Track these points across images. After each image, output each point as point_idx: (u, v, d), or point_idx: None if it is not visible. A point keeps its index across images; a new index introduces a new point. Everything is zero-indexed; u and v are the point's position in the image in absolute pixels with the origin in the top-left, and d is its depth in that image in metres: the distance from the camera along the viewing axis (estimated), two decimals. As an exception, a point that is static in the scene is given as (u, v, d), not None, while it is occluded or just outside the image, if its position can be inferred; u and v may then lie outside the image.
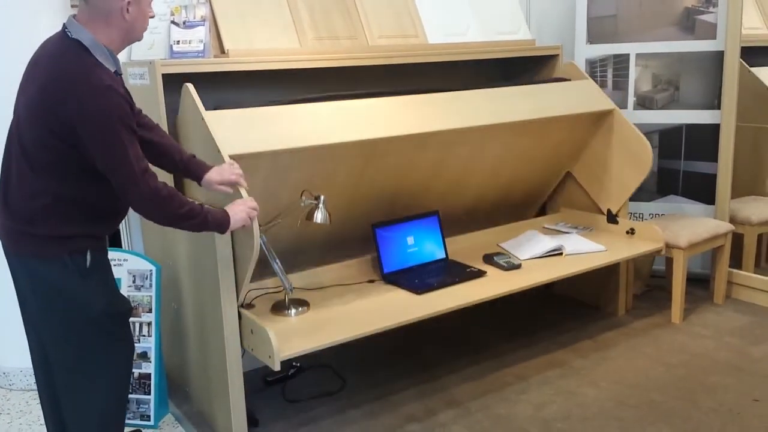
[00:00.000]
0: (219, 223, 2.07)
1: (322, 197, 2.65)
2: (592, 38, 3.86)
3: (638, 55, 3.77)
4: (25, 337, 2.11)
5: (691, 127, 3.72)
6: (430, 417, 2.60)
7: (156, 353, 2.61)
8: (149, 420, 2.61)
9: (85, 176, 1.88)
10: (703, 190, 3.73)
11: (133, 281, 2.62)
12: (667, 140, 3.79)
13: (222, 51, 2.78)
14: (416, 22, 3.30)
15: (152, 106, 2.54)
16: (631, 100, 3.81)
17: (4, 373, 2.96)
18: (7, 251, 1.97)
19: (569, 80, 3.40)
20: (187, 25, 2.69)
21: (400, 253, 3.01)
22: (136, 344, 2.59)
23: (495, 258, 3.05)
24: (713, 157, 3.64)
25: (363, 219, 2.98)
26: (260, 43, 2.85)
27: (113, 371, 2.06)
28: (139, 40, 2.02)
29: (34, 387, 2.91)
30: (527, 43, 3.56)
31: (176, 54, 2.67)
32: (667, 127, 3.78)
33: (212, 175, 2.20)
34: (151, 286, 2.61)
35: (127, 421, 2.60)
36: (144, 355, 2.61)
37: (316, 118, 2.57)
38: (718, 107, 3.62)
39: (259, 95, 3.07)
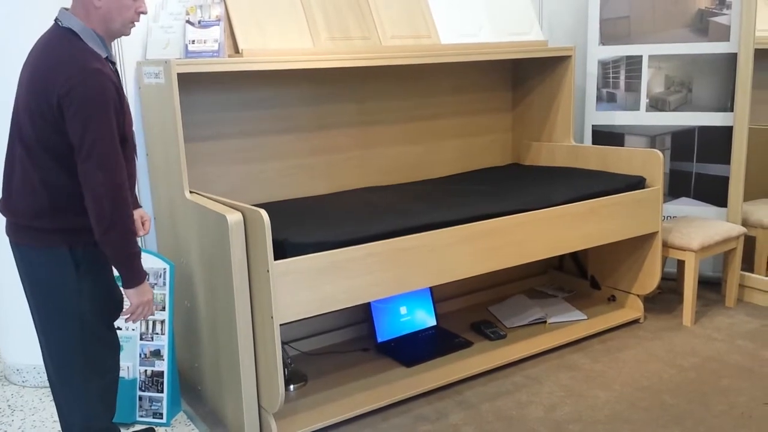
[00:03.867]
0: (138, 271, 1.97)
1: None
2: (605, 39, 3.85)
3: (651, 57, 3.76)
4: (35, 334, 2.12)
5: (704, 129, 3.71)
6: (441, 418, 2.60)
7: (169, 351, 2.62)
8: (162, 418, 2.62)
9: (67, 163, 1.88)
10: (715, 193, 3.72)
11: (147, 279, 2.62)
12: (679, 142, 3.78)
13: (236, 50, 2.79)
14: (429, 23, 3.30)
15: (167, 105, 2.55)
16: (644, 101, 3.80)
17: (17, 370, 2.98)
18: (11, 243, 2.00)
19: (644, 182, 3.22)
20: (202, 24, 2.70)
21: (394, 322, 3.17)
22: (149, 342, 2.62)
23: (482, 327, 3.24)
24: (726, 160, 3.63)
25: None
26: (274, 42, 2.86)
27: (98, 373, 2.06)
28: (124, 34, 1.99)
29: (47, 384, 2.94)
30: (539, 44, 3.56)
31: (191, 53, 2.68)
32: (680, 129, 3.77)
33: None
34: (164, 284, 2.62)
35: (139, 419, 2.62)
36: (157, 353, 2.62)
37: (377, 266, 2.48)
38: (731, 109, 3.60)
39: (273, 94, 3.09)
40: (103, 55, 1.91)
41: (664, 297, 3.71)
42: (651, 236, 3.29)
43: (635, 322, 3.40)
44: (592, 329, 3.24)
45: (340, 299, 2.42)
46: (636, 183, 3.18)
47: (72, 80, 1.79)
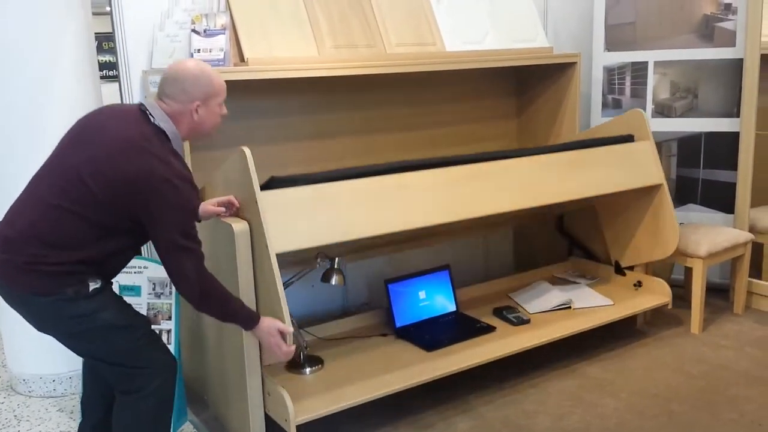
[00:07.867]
0: (246, 319, 2.15)
1: (337, 259, 2.75)
2: (610, 46, 3.84)
3: (657, 63, 3.75)
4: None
5: (710, 135, 3.70)
6: (448, 427, 2.59)
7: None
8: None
9: (126, 234, 2.00)
10: (722, 199, 3.70)
11: (153, 289, 2.62)
12: (685, 148, 3.77)
13: (242, 59, 2.79)
14: (434, 30, 3.30)
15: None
16: (650, 107, 3.79)
17: (23, 380, 2.97)
18: (3, 287, 1.94)
19: (633, 138, 3.22)
20: (207, 33, 2.71)
21: (412, 307, 3.11)
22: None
23: (504, 312, 3.15)
24: (732, 166, 3.61)
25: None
26: (279, 51, 2.86)
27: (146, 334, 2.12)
28: (207, 135, 2.16)
29: (53, 394, 2.94)
30: (545, 51, 3.56)
31: (196, 62, 2.68)
32: (686, 135, 3.75)
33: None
34: (170, 293, 2.61)
35: (145, 429, 2.61)
36: (163, 363, 2.61)
37: (365, 201, 2.48)
38: (738, 115, 3.59)
39: (278, 102, 3.09)
40: (181, 155, 2.04)
41: (672, 304, 3.68)
42: (657, 194, 3.23)
43: (658, 310, 3.34)
44: (618, 314, 3.13)
45: (331, 234, 2.39)
46: (624, 139, 3.20)
47: (164, 186, 1.89)
